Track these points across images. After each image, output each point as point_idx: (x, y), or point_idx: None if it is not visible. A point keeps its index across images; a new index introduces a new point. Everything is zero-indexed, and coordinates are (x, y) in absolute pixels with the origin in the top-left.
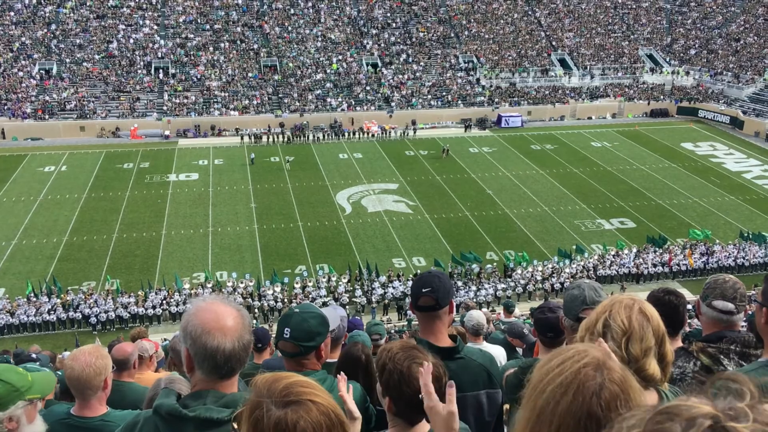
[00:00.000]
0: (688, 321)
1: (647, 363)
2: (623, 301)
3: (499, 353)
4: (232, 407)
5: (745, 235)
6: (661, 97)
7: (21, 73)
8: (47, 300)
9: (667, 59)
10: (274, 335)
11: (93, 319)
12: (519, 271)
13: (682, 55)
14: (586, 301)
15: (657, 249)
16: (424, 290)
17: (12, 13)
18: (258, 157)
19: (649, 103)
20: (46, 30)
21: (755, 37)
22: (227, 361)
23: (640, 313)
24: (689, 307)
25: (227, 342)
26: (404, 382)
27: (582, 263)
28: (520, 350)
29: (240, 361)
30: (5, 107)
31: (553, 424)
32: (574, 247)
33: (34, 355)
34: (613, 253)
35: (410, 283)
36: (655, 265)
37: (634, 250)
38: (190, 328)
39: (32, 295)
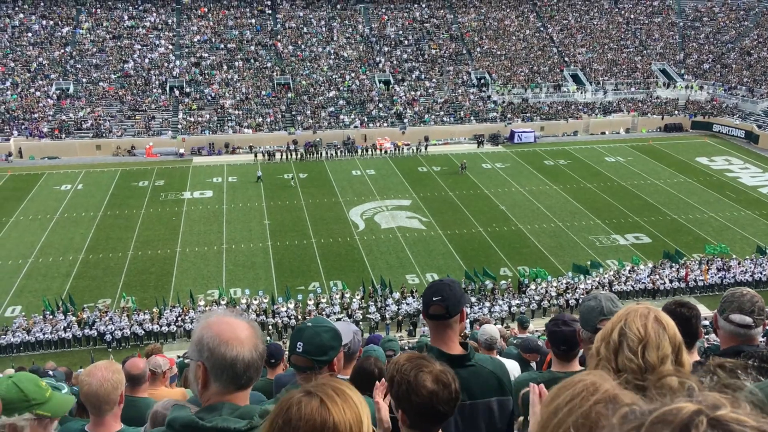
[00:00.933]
0: (706, 336)
1: (666, 370)
2: (638, 310)
3: (512, 367)
4: (248, 418)
5: (763, 249)
6: (675, 111)
7: (38, 93)
8: (63, 317)
9: (681, 74)
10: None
11: (108, 337)
12: (533, 287)
13: (695, 69)
14: (603, 312)
15: (673, 264)
16: (434, 299)
17: (29, 34)
18: (272, 174)
19: (662, 118)
20: (63, 50)
21: None
22: (246, 369)
23: (656, 321)
24: (705, 322)
25: (245, 351)
26: (412, 391)
27: (597, 279)
28: (533, 364)
29: (257, 370)
30: (23, 127)
31: None
32: (589, 262)
33: (50, 372)
34: (628, 268)
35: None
36: (671, 281)
37: (650, 265)
38: (206, 340)
39: (48, 312)
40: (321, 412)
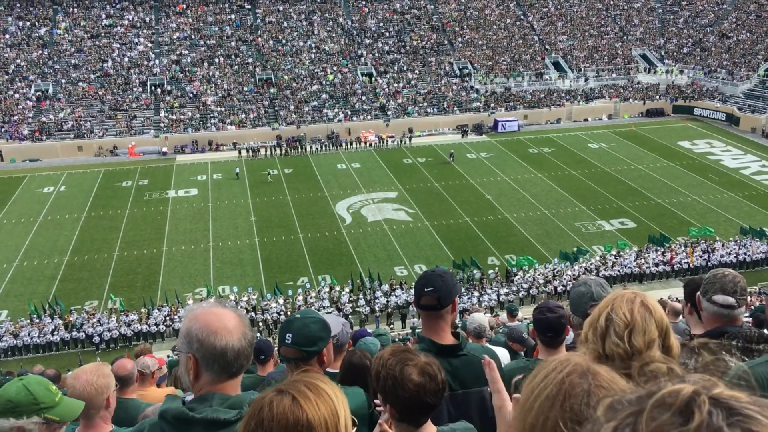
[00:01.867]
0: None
1: (652, 355)
2: (625, 295)
3: (502, 354)
4: (238, 408)
5: (746, 230)
6: (657, 96)
7: (17, 95)
8: (50, 321)
9: (661, 59)
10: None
11: (96, 338)
12: (521, 275)
13: (675, 54)
14: (593, 297)
15: (658, 248)
16: (426, 289)
17: (6, 36)
18: (256, 170)
19: (644, 103)
20: (40, 51)
21: (748, 34)
22: (237, 357)
23: (642, 305)
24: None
25: (234, 340)
26: (399, 385)
27: (584, 265)
28: (521, 353)
29: (247, 357)
30: (2, 129)
31: None
32: (576, 249)
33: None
34: (614, 253)
35: (413, 291)
36: (657, 265)
37: (635, 249)
38: (195, 331)
39: (35, 316)
40: (294, 410)
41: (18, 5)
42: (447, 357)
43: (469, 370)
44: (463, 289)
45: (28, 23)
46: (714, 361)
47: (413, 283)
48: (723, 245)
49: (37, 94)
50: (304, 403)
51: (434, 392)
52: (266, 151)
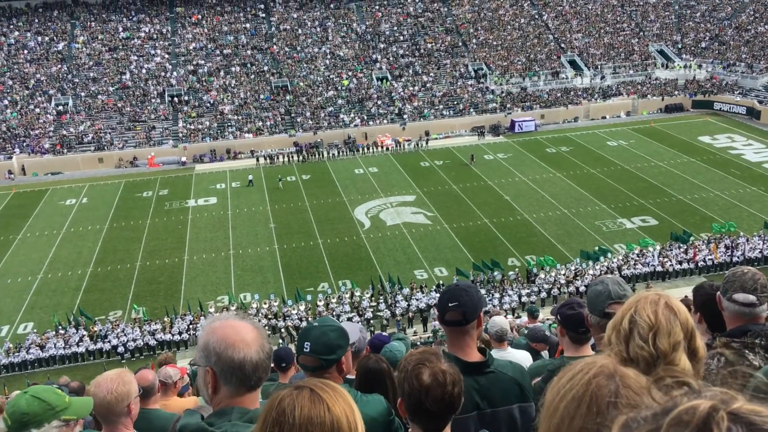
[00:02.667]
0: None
1: (677, 358)
2: (648, 297)
3: (524, 358)
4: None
5: None
6: (675, 92)
7: (37, 110)
8: (75, 332)
9: (679, 53)
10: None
11: (121, 348)
12: (542, 276)
13: (693, 48)
14: (611, 296)
15: (682, 245)
16: (450, 304)
17: (26, 51)
18: (274, 177)
19: (663, 99)
20: (60, 66)
21: (766, 26)
22: (255, 370)
23: (666, 307)
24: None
25: (252, 352)
26: (407, 381)
27: (606, 264)
28: (545, 353)
29: (266, 370)
30: (24, 144)
31: None
32: (597, 248)
33: (64, 388)
34: (636, 251)
35: (433, 293)
36: (680, 262)
37: (658, 247)
38: (212, 345)
39: (60, 326)
40: (314, 400)
41: (36, 21)
42: (473, 375)
43: (497, 388)
44: (483, 291)
45: (46, 38)
46: (733, 372)
47: (433, 287)
48: (747, 240)
49: (58, 108)
50: (323, 394)
51: (436, 400)
52: (284, 158)
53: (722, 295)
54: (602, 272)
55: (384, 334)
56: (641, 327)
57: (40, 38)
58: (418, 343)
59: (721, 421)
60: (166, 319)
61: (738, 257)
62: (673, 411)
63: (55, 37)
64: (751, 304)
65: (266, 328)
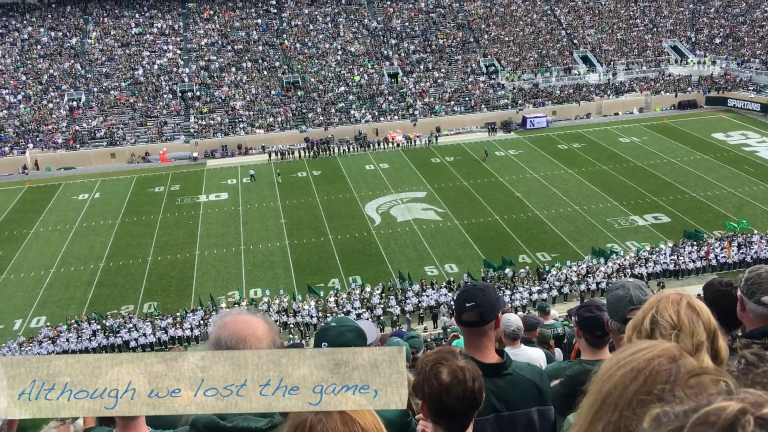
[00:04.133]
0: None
1: (700, 359)
2: (670, 297)
3: (538, 355)
4: (269, 416)
5: None
6: (689, 88)
7: (50, 105)
8: (88, 326)
9: (693, 49)
10: None
11: (133, 343)
12: (554, 272)
13: (707, 44)
14: (632, 301)
15: (695, 243)
16: (467, 305)
17: (39, 47)
18: (285, 173)
19: (676, 95)
20: (72, 61)
21: None
22: None
23: (689, 307)
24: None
25: (263, 347)
26: (426, 381)
27: (618, 262)
28: (559, 352)
29: None
30: (37, 139)
31: (617, 409)
32: (609, 245)
33: None
34: (648, 249)
35: (443, 290)
36: (693, 260)
37: (670, 245)
38: (224, 339)
39: (72, 320)
40: (345, 422)
41: (49, 16)
42: (491, 377)
43: (515, 390)
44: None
45: (59, 33)
46: (763, 373)
47: (443, 284)
48: (761, 238)
49: (70, 103)
50: (353, 414)
51: (457, 397)
52: (297, 153)
53: (748, 297)
54: (614, 270)
55: (404, 330)
56: (663, 327)
57: (53, 34)
58: (429, 340)
59: (747, 424)
60: (177, 313)
61: (752, 256)
62: (701, 410)
63: (68, 33)
64: None
65: (277, 323)
